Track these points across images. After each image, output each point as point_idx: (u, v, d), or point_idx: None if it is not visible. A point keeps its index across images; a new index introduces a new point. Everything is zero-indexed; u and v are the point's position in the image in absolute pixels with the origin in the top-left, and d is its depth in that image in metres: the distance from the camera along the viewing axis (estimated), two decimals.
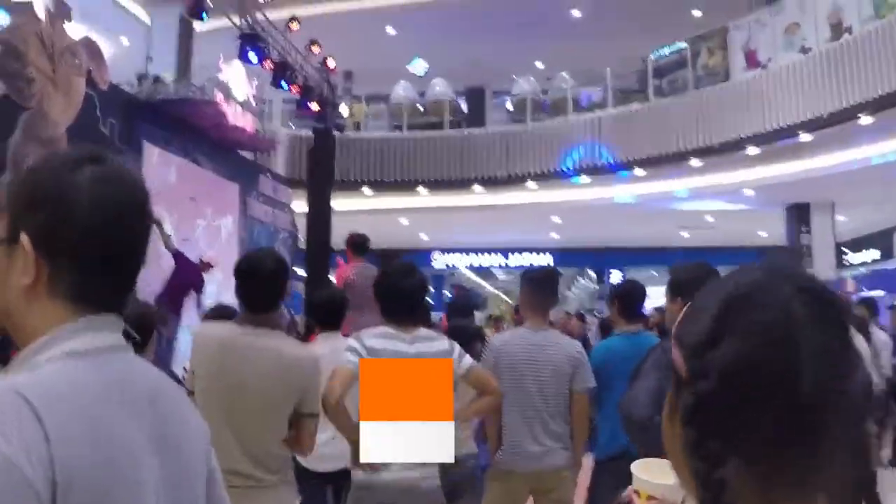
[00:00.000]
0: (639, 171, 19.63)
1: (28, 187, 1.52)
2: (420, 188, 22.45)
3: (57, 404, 1.34)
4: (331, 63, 17.59)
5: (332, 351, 5.08)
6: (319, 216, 17.53)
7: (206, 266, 12.39)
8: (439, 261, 28.86)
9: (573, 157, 20.99)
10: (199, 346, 4.22)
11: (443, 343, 4.68)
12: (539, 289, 5.84)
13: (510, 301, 29.44)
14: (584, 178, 20.80)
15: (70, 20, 11.15)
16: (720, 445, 1.05)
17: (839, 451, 1.06)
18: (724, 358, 1.07)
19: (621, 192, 20.63)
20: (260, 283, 4.17)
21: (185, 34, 18.75)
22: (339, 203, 18.32)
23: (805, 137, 15.87)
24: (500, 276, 31.78)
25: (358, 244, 9.93)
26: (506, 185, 21.88)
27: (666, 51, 20.25)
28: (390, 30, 22.50)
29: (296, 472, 5.62)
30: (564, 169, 21.05)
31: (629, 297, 6.04)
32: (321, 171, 18.07)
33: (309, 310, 6.76)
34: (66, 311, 1.47)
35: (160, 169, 13.95)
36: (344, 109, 19.08)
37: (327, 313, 6.21)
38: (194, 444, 1.65)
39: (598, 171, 20.59)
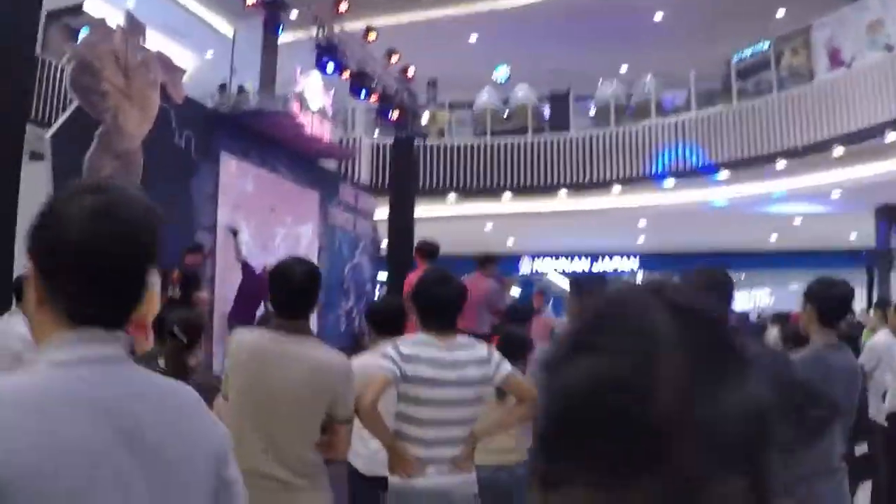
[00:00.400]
0: (723, 174, 19.36)
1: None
2: (505, 194, 22.43)
3: (5, 408, 1.48)
4: (410, 72, 17.67)
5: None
6: (401, 223, 17.64)
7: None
8: (526, 266, 28.75)
9: (661, 161, 20.77)
10: (232, 352, 4.31)
11: (481, 350, 4.68)
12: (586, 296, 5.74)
13: None
14: (670, 182, 20.58)
15: (144, 37, 11.40)
16: (559, 477, 0.95)
17: (701, 488, 0.90)
18: (569, 378, 0.96)
19: (710, 195, 20.35)
20: (291, 290, 4.23)
21: (269, 46, 19.04)
22: (425, 209, 18.41)
23: (892, 136, 15.49)
24: None
25: (426, 251, 9.91)
26: (591, 189, 21.75)
27: (748, 52, 19.96)
28: (473, 37, 22.53)
29: (350, 476, 5.68)
30: (653, 172, 20.84)
31: None
32: (402, 179, 18.20)
33: (368, 318, 6.78)
34: (62, 325, 1.63)
35: (238, 179, 14.21)
36: (425, 117, 19.16)
37: (384, 321, 6.20)
38: (194, 451, 1.71)
39: (685, 174, 20.36)
